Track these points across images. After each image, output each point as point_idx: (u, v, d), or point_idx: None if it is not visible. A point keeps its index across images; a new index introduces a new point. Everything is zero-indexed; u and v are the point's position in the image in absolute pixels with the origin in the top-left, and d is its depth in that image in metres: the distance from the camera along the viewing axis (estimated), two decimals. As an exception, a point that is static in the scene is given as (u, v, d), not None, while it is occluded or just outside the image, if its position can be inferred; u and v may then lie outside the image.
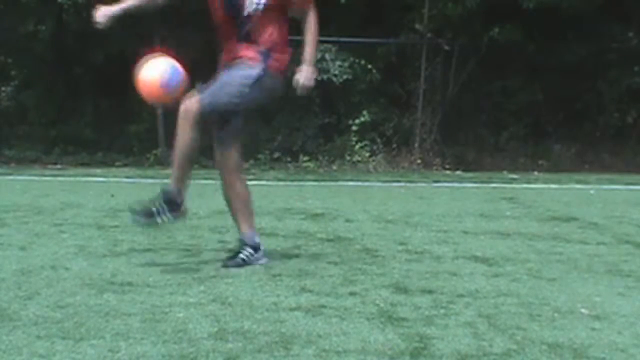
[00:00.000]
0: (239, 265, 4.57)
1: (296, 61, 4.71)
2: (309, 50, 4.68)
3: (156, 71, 4.48)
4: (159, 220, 4.57)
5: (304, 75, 4.64)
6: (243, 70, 4.56)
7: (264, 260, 4.68)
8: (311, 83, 4.67)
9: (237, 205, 4.72)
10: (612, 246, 5.59)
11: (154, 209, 4.56)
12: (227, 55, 4.68)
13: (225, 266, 4.57)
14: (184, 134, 4.69)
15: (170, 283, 4.20)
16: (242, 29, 4.59)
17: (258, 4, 4.55)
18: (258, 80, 4.56)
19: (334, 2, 11.45)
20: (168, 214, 4.57)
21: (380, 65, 12.04)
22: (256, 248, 4.70)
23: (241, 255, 4.64)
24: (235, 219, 4.76)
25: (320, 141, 11.86)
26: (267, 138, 11.58)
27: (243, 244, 4.68)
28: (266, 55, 4.58)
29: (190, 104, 4.58)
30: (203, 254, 5.00)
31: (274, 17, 4.61)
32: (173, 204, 4.59)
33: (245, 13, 4.57)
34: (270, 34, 4.60)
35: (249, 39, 4.58)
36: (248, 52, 4.58)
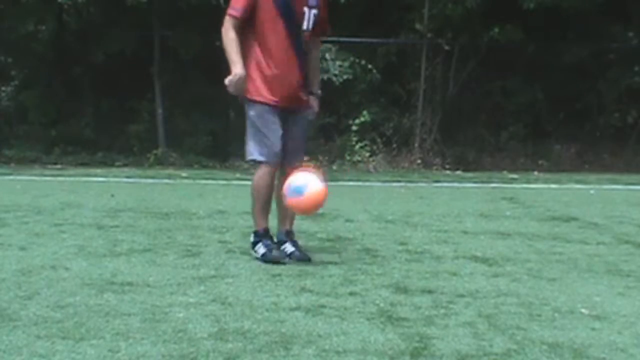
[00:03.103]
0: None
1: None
2: (318, 80, 5.03)
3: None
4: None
5: (317, 108, 5.01)
6: (307, 126, 5.02)
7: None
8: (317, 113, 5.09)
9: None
10: (612, 246, 5.59)
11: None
12: (285, 78, 4.74)
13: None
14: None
15: (170, 283, 4.20)
16: (300, 44, 4.73)
17: (315, 21, 4.73)
18: None
19: (334, 2, 11.45)
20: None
21: (380, 65, 12.03)
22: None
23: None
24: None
25: (320, 141, 11.85)
26: (267, 138, 11.57)
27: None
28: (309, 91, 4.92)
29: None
30: (203, 254, 5.00)
31: (313, 37, 4.86)
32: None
33: (305, 27, 4.72)
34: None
35: (304, 57, 4.80)
36: (305, 99, 4.86)
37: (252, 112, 4.79)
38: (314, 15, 4.70)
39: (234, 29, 4.70)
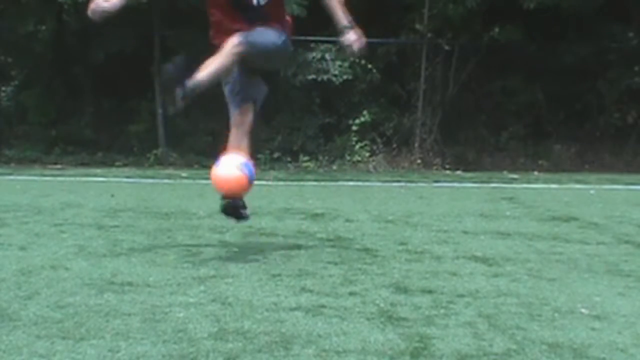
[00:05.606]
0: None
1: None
2: (343, 13, 4.86)
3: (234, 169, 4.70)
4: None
5: (356, 36, 4.93)
6: (275, 31, 4.82)
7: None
8: (363, 42, 4.99)
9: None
10: (612, 246, 5.59)
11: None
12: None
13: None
14: (224, 62, 4.76)
15: (170, 283, 4.20)
16: (254, 17, 4.78)
17: None
18: (285, 40, 4.87)
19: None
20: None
21: (380, 65, 12.04)
22: None
23: None
24: None
25: (320, 141, 11.86)
26: (267, 138, 11.58)
27: None
28: (283, 27, 4.90)
29: (236, 40, 4.71)
30: (203, 254, 5.00)
31: (280, 4, 4.88)
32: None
33: (255, 3, 4.77)
34: (282, 17, 4.90)
35: (265, 21, 4.81)
36: (270, 24, 4.81)
37: None
38: None
39: None
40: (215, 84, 4.83)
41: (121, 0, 4.72)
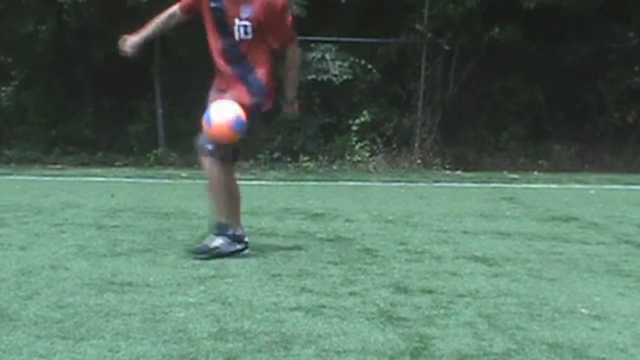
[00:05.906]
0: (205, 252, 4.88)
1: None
2: (292, 88, 5.10)
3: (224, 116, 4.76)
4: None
5: (291, 112, 5.18)
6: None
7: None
8: (297, 115, 5.26)
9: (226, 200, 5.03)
10: (612, 246, 5.59)
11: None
12: (220, 83, 4.99)
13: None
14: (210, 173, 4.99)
15: (170, 283, 4.20)
16: (236, 53, 4.87)
17: (246, 31, 4.81)
18: (250, 122, 4.85)
19: (334, 2, 11.45)
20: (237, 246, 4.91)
21: (380, 65, 12.03)
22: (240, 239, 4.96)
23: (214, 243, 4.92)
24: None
25: (320, 141, 11.85)
26: (267, 138, 11.57)
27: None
28: (259, 95, 4.89)
29: (202, 154, 4.93)
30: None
31: (263, 44, 4.87)
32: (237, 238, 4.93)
33: (237, 39, 4.84)
34: (264, 61, 4.88)
35: (244, 62, 4.86)
36: (242, 96, 4.84)
37: None
38: (244, 26, 4.80)
39: (168, 15, 5.25)
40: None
41: (148, 31, 5.30)
